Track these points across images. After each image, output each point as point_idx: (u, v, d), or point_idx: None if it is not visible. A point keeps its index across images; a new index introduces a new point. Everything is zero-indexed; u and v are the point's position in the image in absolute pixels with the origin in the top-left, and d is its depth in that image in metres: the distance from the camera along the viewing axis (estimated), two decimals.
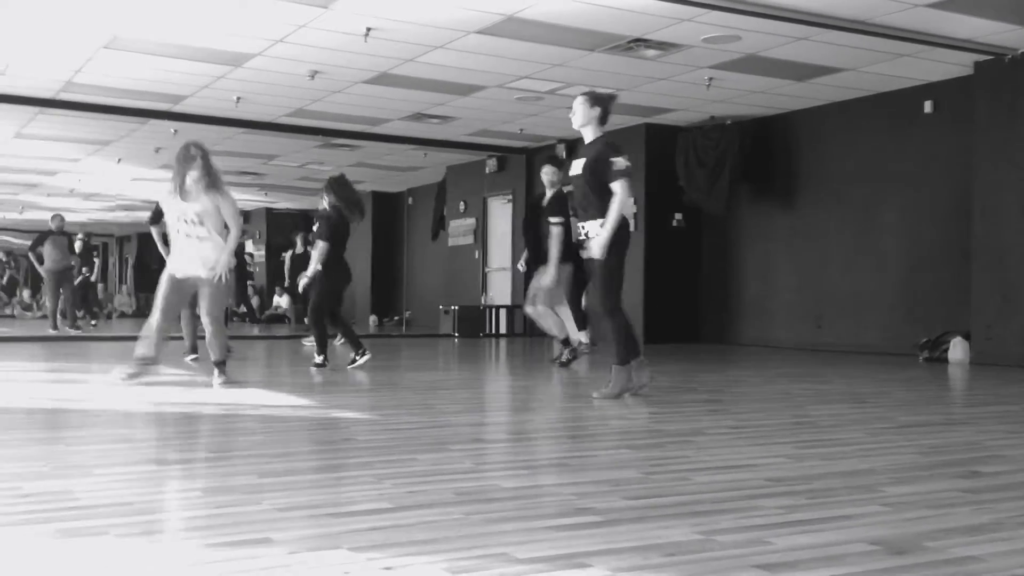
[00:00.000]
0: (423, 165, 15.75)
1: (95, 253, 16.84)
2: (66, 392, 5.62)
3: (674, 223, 12.03)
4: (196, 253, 5.62)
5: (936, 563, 2.08)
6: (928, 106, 9.55)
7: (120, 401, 5.02)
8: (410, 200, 18.85)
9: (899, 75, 9.25)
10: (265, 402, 5.15)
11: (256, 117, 11.73)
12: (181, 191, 5.64)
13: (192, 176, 5.63)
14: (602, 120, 5.37)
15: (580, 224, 5.28)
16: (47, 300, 13.43)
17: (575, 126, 5.39)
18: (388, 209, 19.31)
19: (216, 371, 5.82)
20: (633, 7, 7.24)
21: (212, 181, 5.66)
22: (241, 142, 13.43)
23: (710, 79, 9.47)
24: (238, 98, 10.55)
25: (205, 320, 5.77)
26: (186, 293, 5.85)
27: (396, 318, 18.40)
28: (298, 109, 11.27)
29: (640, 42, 8.24)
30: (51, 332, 12.43)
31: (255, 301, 19.01)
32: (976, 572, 2.02)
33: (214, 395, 5.44)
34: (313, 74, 9.48)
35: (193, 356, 7.72)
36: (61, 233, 12.85)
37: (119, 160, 14.70)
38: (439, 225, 16.37)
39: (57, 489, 2.82)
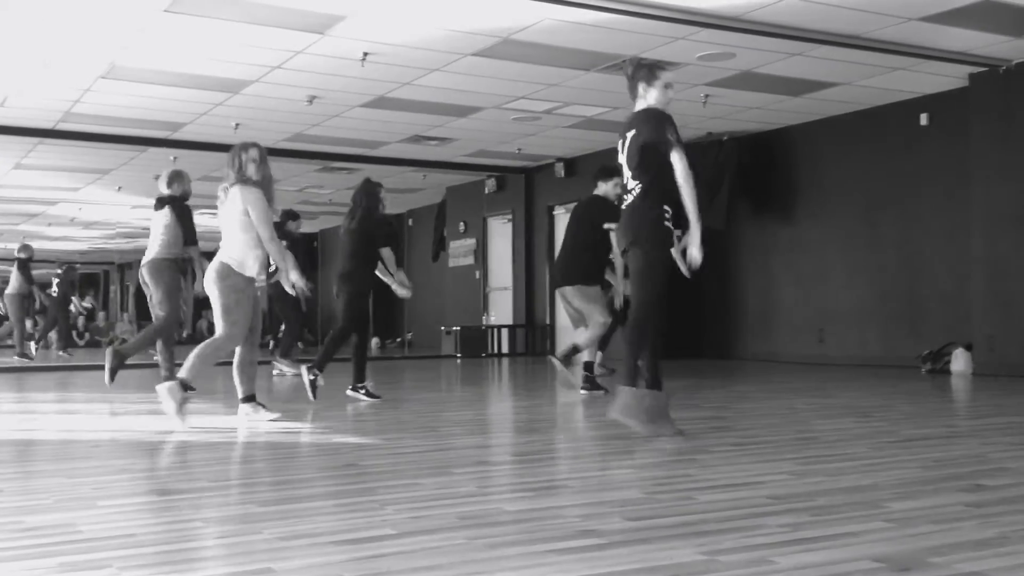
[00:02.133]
0: (422, 187, 15.80)
1: (73, 284, 16.73)
2: (65, 423, 5.61)
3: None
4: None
5: None
6: (924, 118, 9.58)
7: (120, 431, 5.01)
8: (410, 222, 18.89)
9: (894, 88, 9.28)
10: (265, 428, 5.14)
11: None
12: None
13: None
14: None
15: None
16: (14, 327, 13.50)
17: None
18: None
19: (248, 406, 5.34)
20: (627, 27, 7.28)
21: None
22: None
23: (706, 96, 9.51)
24: (236, 124, 10.60)
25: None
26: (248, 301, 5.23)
27: (398, 340, 18.38)
28: (297, 134, 11.31)
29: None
30: (15, 360, 12.46)
31: None
32: None
33: (215, 423, 5.43)
34: (311, 99, 9.52)
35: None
36: (28, 260, 13.46)
37: (119, 188, 14.75)
38: (439, 246, 16.39)
39: (59, 522, 2.81)
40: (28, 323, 13.35)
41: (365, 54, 7.96)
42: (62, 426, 5.45)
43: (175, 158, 11.79)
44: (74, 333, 19.26)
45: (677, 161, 4.44)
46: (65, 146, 11.48)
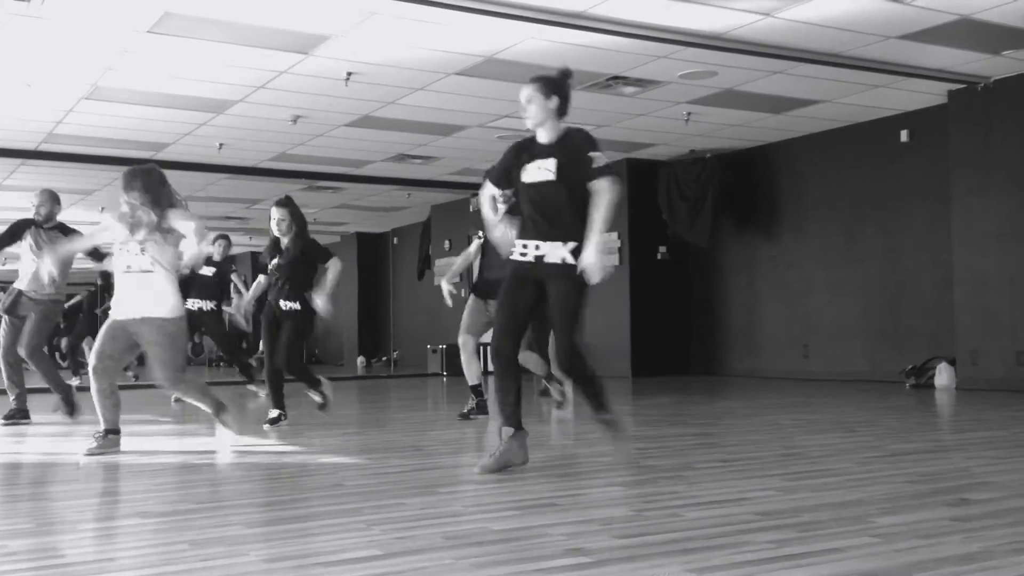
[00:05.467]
0: (407, 205, 15.81)
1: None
2: (49, 446, 5.56)
3: (659, 256, 12.09)
4: (133, 290, 4.75)
5: None
6: (904, 135, 9.68)
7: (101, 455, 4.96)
8: (395, 240, 18.88)
9: (875, 105, 9.38)
10: (252, 449, 5.10)
11: (239, 162, 11.76)
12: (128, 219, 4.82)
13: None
14: (561, 111, 4.09)
15: (533, 243, 3.99)
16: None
17: (532, 125, 4.07)
18: (373, 250, 19.33)
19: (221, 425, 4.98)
20: (610, 46, 7.33)
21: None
22: (225, 187, 13.45)
23: (688, 114, 9.58)
24: (220, 144, 10.58)
25: (167, 386, 4.83)
26: (119, 340, 4.79)
27: (384, 358, 18.33)
28: (281, 153, 11.31)
29: (618, 79, 8.34)
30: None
31: (243, 345, 18.90)
32: None
33: (198, 445, 5.39)
34: (295, 119, 9.53)
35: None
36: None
37: (102, 209, 14.68)
38: (425, 264, 16.39)
39: (42, 546, 2.78)
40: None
41: (349, 74, 7.98)
42: (46, 449, 5.39)
43: None
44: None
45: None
46: (48, 167, 11.44)
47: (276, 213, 6.16)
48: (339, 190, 14.07)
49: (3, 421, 6.56)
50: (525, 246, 4.02)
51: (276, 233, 6.16)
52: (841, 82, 8.49)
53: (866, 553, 2.46)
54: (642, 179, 11.85)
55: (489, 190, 4.28)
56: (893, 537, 2.64)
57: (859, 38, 7.26)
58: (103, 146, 10.56)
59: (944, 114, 9.03)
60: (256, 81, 8.23)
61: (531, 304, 4.05)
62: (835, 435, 5.23)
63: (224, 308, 9.15)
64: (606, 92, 8.72)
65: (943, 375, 8.79)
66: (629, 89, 8.64)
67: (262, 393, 8.85)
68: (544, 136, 4.09)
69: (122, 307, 4.77)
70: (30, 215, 6.83)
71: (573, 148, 4.02)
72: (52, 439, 5.81)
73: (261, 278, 6.34)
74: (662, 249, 12.08)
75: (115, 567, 2.51)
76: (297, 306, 6.05)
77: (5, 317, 6.70)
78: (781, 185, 11.08)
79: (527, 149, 4.09)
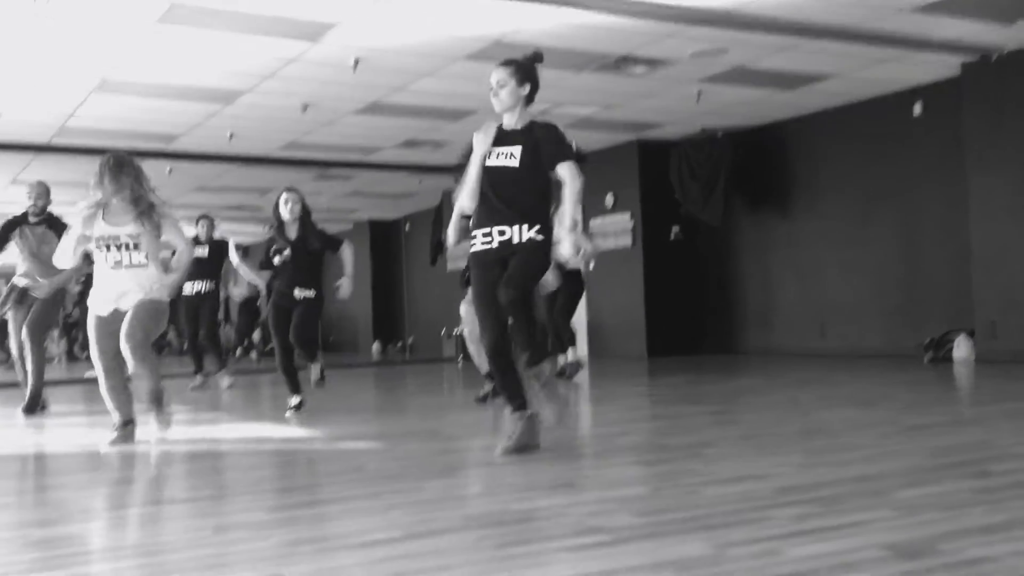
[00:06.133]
0: (418, 191, 15.80)
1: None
2: (65, 436, 5.60)
3: (672, 236, 12.05)
4: (125, 285, 4.67)
5: (950, 565, 2.07)
6: (918, 108, 9.59)
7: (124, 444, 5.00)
8: (407, 227, 18.89)
9: (888, 79, 9.29)
10: (269, 435, 5.14)
11: (250, 152, 11.77)
12: (105, 211, 4.67)
13: (123, 194, 4.66)
14: (530, 99, 4.07)
15: (496, 229, 3.94)
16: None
17: (501, 109, 4.02)
18: (386, 237, 19.35)
19: (155, 418, 4.80)
20: (618, 26, 7.28)
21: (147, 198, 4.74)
22: (236, 177, 13.47)
23: (699, 92, 9.51)
24: (231, 134, 10.59)
25: (127, 351, 4.62)
26: (115, 334, 4.65)
27: (399, 344, 18.38)
28: (291, 142, 11.31)
29: (628, 60, 8.29)
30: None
31: (257, 334, 18.99)
32: (991, 572, 2.01)
33: (215, 432, 5.42)
34: (305, 107, 9.52)
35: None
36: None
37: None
38: (437, 250, 16.38)
39: (66, 535, 2.81)
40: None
41: (357, 60, 7.96)
42: (70, 439, 5.44)
43: (171, 170, 11.79)
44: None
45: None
46: (61, 160, 11.47)
47: (289, 196, 6.18)
48: (350, 178, 14.06)
49: (24, 413, 6.61)
50: (488, 234, 3.95)
51: (287, 216, 6.15)
52: (853, 56, 8.41)
53: (888, 526, 2.46)
54: (654, 159, 11.80)
55: (459, 203, 4.15)
56: (915, 510, 2.63)
57: (870, 12, 7.18)
58: (114, 139, 10.57)
59: (957, 87, 8.93)
60: (265, 70, 8.22)
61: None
62: (854, 410, 5.21)
63: (236, 293, 9.10)
64: (615, 73, 8.67)
65: (961, 348, 8.74)
66: (639, 69, 8.59)
67: (224, 382, 8.70)
68: (510, 121, 4.05)
69: (114, 302, 4.66)
70: (21, 210, 6.78)
71: (538, 138, 3.99)
72: (72, 430, 5.85)
73: (264, 273, 6.38)
74: (675, 229, 12.04)
75: (139, 552, 2.53)
76: (311, 293, 6.07)
77: (10, 313, 6.67)
78: (794, 162, 11.01)
79: (491, 135, 4.01)
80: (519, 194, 3.96)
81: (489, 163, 3.99)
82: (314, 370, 6.44)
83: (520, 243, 3.92)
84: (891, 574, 2.02)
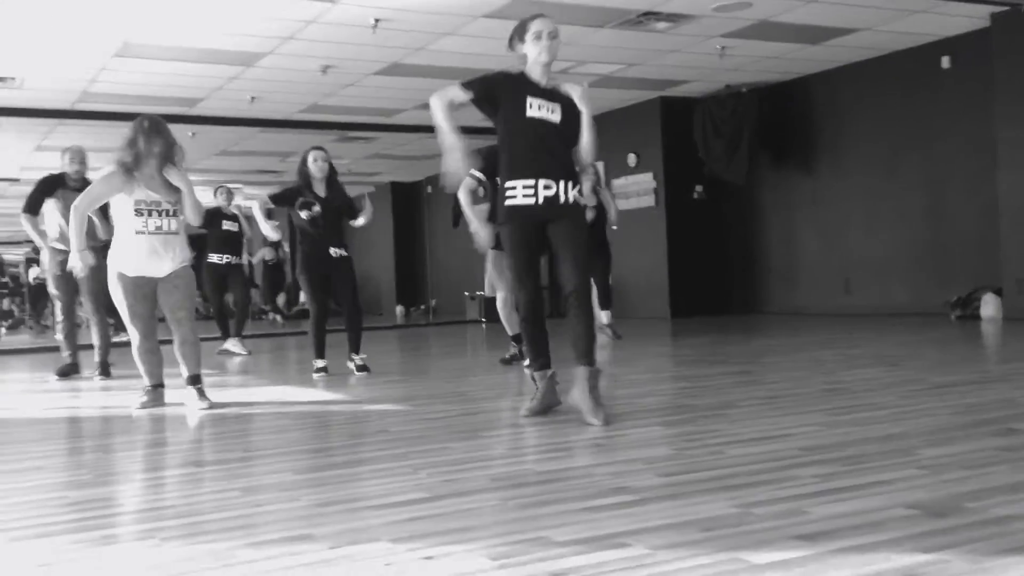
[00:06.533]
0: (440, 153, 15.74)
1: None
2: (98, 400, 5.70)
3: (695, 195, 11.97)
4: (161, 250, 4.72)
5: (977, 524, 2.07)
6: (946, 61, 9.41)
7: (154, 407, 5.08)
8: (429, 189, 18.87)
9: (914, 32, 9.11)
10: (296, 398, 5.20)
11: (271, 115, 11.78)
12: (140, 174, 4.67)
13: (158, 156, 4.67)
14: None
15: (542, 182, 3.85)
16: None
17: (550, 59, 3.93)
18: (407, 199, 19.35)
19: (194, 391, 4.81)
20: None
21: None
22: (258, 141, 13.49)
23: (723, 48, 9.38)
24: (252, 97, 10.59)
25: (175, 323, 4.77)
26: (149, 298, 4.78)
27: (423, 307, 18.45)
28: (312, 104, 11.29)
29: (650, 15, 8.18)
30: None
31: (282, 298, 19.13)
32: (1018, 531, 2.01)
33: (244, 395, 5.48)
34: (325, 69, 9.49)
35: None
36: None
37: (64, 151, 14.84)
38: (459, 212, 16.37)
39: (101, 496, 2.87)
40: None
41: (376, 20, 7.91)
42: (98, 403, 5.53)
43: (193, 134, 11.82)
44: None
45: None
46: (84, 126, 11.53)
47: (318, 155, 6.21)
48: (371, 140, 14.04)
49: (57, 376, 6.73)
50: (531, 187, 3.85)
51: (316, 174, 6.16)
52: (879, 9, 8.25)
53: (913, 485, 2.45)
54: (676, 117, 11.69)
55: (455, 96, 3.94)
56: (940, 468, 2.63)
57: None
58: (137, 103, 10.59)
59: (986, 39, 8.75)
60: (284, 32, 8.19)
61: (542, 246, 3.98)
62: (878, 369, 5.19)
63: (257, 257, 9.16)
64: (637, 29, 8.56)
65: (989, 305, 8.66)
66: (661, 25, 8.48)
67: (236, 350, 8.64)
68: (541, 77, 3.95)
69: (147, 267, 4.71)
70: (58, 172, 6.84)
71: (569, 98, 3.92)
72: (103, 393, 5.95)
73: (264, 197, 6.39)
74: (698, 188, 11.95)
75: (171, 514, 2.58)
76: (345, 252, 6.16)
77: (57, 279, 6.72)
78: (819, 118, 10.87)
79: (523, 84, 3.91)
80: (563, 150, 3.92)
81: (531, 113, 3.88)
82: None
83: (566, 203, 3.87)
84: (917, 533, 2.02)
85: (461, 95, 3.94)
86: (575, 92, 3.92)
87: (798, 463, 2.78)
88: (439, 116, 3.95)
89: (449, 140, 3.95)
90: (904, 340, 6.97)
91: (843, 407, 3.87)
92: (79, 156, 6.82)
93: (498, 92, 3.95)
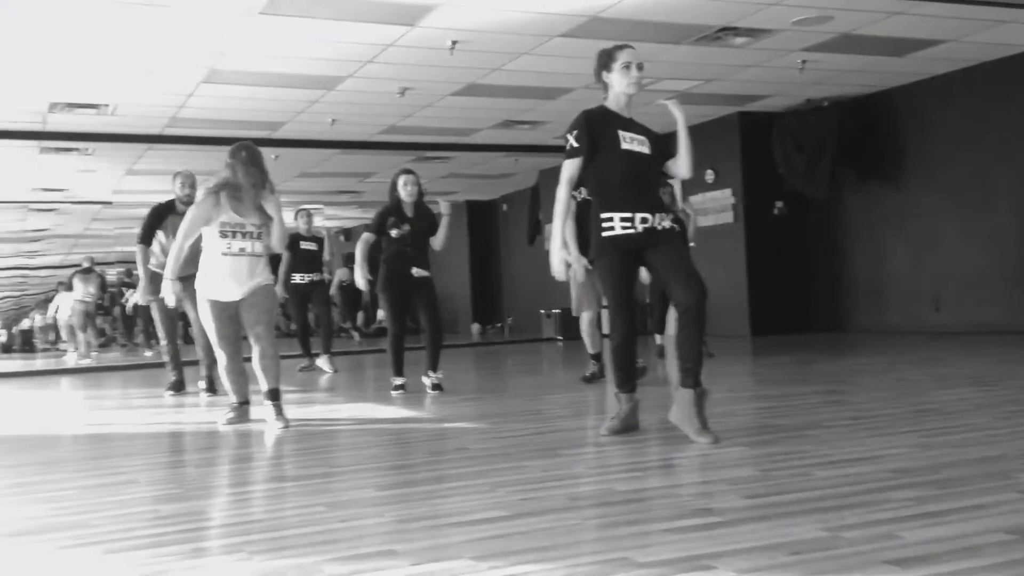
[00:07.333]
0: (515, 171, 15.83)
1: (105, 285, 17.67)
2: (183, 416, 5.85)
3: (776, 211, 11.76)
4: (244, 272, 4.82)
5: None
6: None
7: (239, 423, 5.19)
8: (504, 207, 18.96)
9: (1002, 42, 8.82)
10: (376, 415, 5.26)
11: (351, 137, 12.01)
12: (231, 198, 4.79)
13: (251, 182, 4.77)
14: None
15: (639, 216, 3.85)
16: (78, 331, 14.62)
17: (637, 91, 3.99)
18: (483, 217, 19.47)
19: (272, 408, 4.82)
20: None
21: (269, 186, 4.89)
22: (337, 162, 13.76)
23: (803, 62, 9.22)
24: (333, 120, 10.82)
25: (255, 337, 4.83)
26: (235, 320, 4.89)
27: (499, 325, 18.51)
28: (390, 126, 11.48)
29: (728, 30, 8.10)
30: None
31: (360, 316, 19.42)
32: None
33: (324, 412, 5.56)
34: (403, 90, 9.64)
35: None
36: (88, 271, 14.89)
37: (176, 176, 15.29)
38: (535, 230, 16.40)
39: (191, 510, 2.94)
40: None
41: (454, 42, 8.01)
42: (189, 419, 5.69)
43: (276, 156, 12.12)
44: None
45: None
46: (172, 150, 11.93)
47: (408, 179, 6.31)
48: (448, 159, 14.19)
49: (170, 392, 6.93)
50: (628, 219, 3.85)
51: (406, 198, 6.24)
52: (966, 19, 8.01)
53: (1012, 509, 2.35)
54: (756, 133, 11.53)
55: (574, 171, 3.95)
56: None
57: None
58: (223, 128, 10.93)
59: None
60: (364, 56, 8.35)
61: (636, 275, 4.07)
62: (972, 390, 5.00)
63: (335, 276, 9.31)
64: (715, 45, 8.48)
65: None
66: (739, 40, 8.39)
67: (327, 368, 8.76)
68: (624, 108, 3.99)
69: (230, 290, 4.81)
70: (166, 198, 7.06)
71: (650, 130, 3.99)
72: (201, 410, 6.11)
73: (367, 235, 6.33)
74: (779, 204, 11.74)
75: (258, 528, 2.63)
76: (428, 273, 6.22)
77: (156, 303, 6.83)
78: (905, 131, 10.59)
79: (611, 118, 3.95)
80: (655, 181, 4.03)
81: (625, 146, 3.91)
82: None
83: (664, 229, 3.90)
84: (1016, 559, 1.93)
85: (579, 163, 3.96)
86: (671, 108, 3.98)
87: (889, 486, 2.69)
88: (563, 193, 3.99)
89: (557, 225, 4.00)
90: (998, 359, 6.71)
91: (936, 428, 3.74)
92: (190, 180, 6.98)
93: (595, 134, 3.95)
